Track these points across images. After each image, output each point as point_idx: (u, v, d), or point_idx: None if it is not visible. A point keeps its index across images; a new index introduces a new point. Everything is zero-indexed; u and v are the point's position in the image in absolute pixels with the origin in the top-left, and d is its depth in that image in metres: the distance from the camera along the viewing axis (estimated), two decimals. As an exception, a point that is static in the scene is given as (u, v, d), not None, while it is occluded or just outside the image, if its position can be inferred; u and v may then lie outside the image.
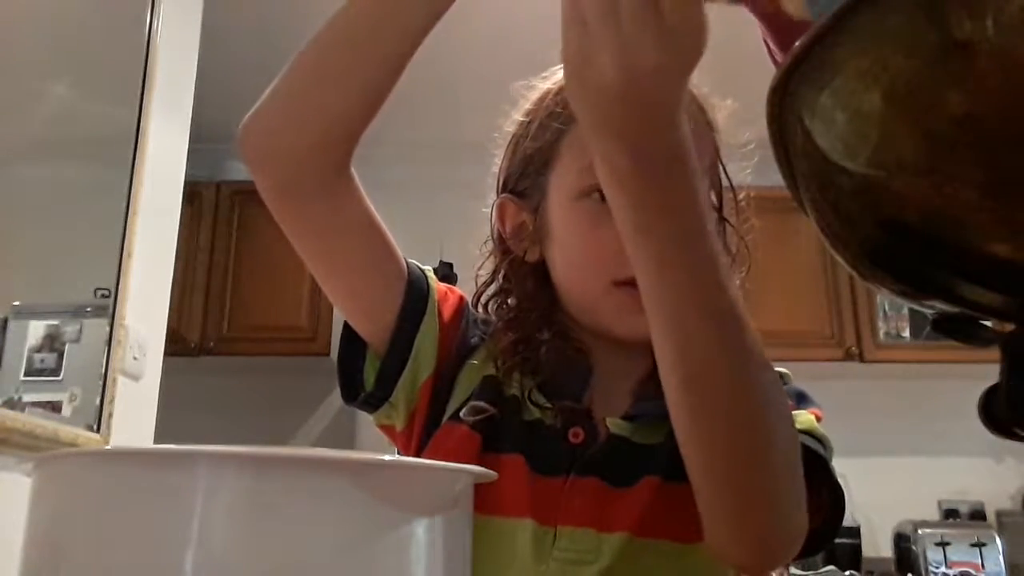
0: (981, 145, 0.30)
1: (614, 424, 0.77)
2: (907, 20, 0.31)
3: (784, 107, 0.37)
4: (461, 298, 0.85)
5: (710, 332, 0.56)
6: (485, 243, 0.86)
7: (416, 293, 0.79)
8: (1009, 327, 0.36)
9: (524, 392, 0.78)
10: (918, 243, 0.34)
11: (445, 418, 0.79)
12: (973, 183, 0.31)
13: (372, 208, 0.76)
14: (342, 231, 0.75)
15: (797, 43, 0.34)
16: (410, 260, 0.81)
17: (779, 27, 0.54)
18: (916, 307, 0.38)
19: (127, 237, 2.02)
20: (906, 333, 3.20)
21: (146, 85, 2.12)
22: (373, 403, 0.80)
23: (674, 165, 0.52)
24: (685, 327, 0.56)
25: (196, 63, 2.42)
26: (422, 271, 0.81)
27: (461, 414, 0.77)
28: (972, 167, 0.31)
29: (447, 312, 0.82)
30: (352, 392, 0.80)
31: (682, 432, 0.60)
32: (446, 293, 0.83)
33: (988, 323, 0.37)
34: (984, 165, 0.31)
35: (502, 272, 0.84)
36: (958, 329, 0.37)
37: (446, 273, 2.86)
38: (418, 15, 0.67)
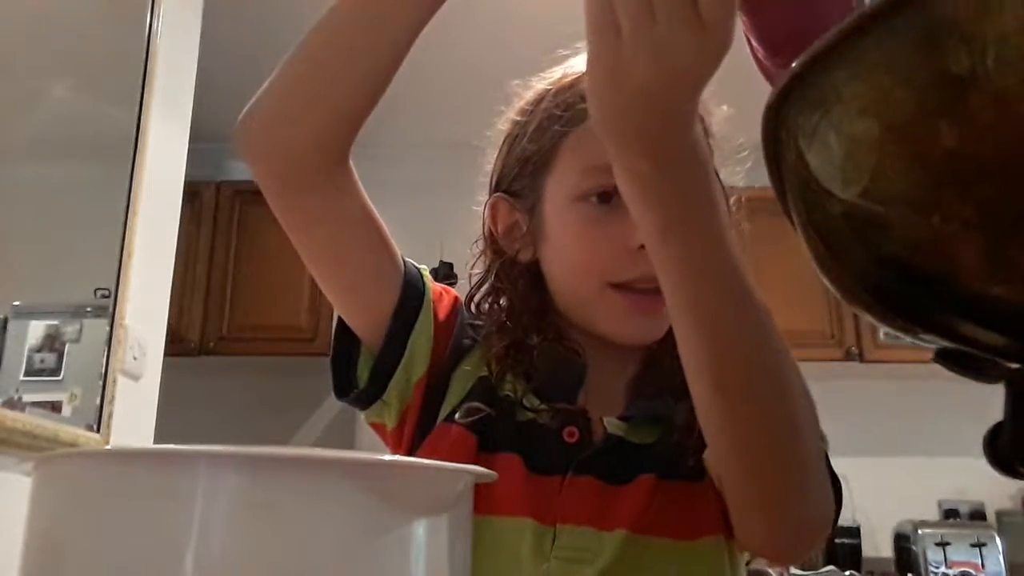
0: (973, 180, 0.30)
1: (611, 424, 0.77)
2: (905, 49, 0.30)
3: (779, 125, 0.36)
4: (456, 299, 0.85)
5: (740, 329, 0.57)
6: (476, 242, 0.87)
7: (412, 291, 0.79)
8: (1015, 364, 0.35)
9: (517, 395, 0.78)
10: (911, 278, 0.34)
11: (439, 420, 0.79)
12: (965, 219, 0.31)
13: (370, 203, 0.76)
14: (340, 224, 0.75)
15: (795, 62, 0.34)
16: (407, 258, 0.81)
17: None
18: (916, 342, 0.38)
19: (127, 237, 2.02)
20: (906, 333, 3.20)
21: (146, 85, 2.12)
22: (365, 400, 0.80)
23: (692, 166, 0.52)
24: (714, 326, 0.57)
25: (196, 63, 2.42)
26: (418, 269, 0.81)
27: (456, 416, 0.77)
28: (964, 202, 0.30)
29: (442, 312, 0.82)
30: (344, 388, 0.80)
31: (713, 429, 0.61)
32: (441, 293, 0.83)
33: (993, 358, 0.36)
34: (977, 201, 0.30)
35: (494, 272, 0.84)
36: (962, 364, 0.36)
37: (446, 273, 2.86)
38: (415, 6, 0.67)
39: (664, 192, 0.52)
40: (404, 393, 0.79)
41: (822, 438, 0.74)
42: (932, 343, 0.37)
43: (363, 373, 0.79)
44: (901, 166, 0.31)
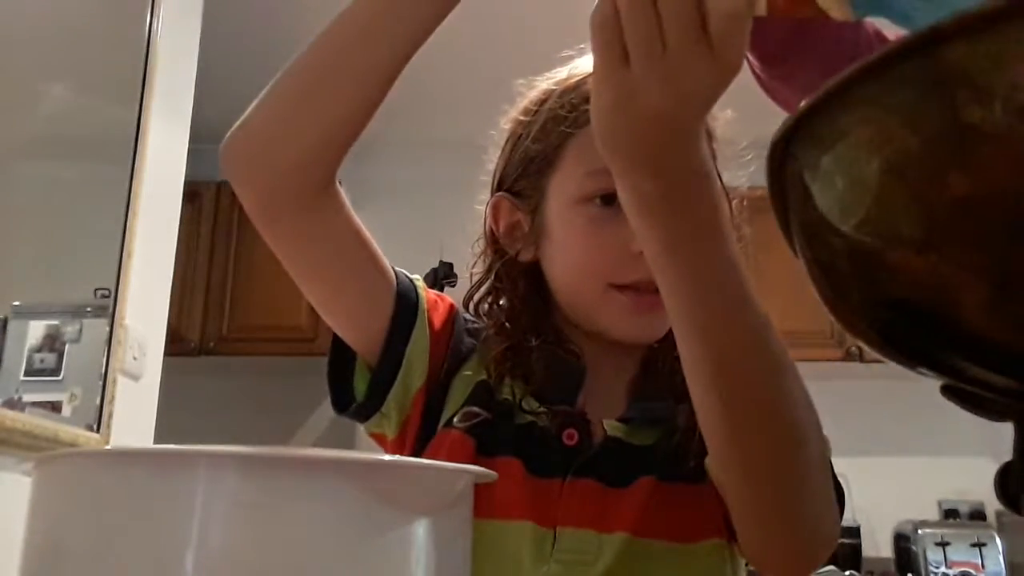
0: (980, 229, 0.30)
1: (611, 426, 0.77)
2: (915, 96, 0.30)
3: (786, 163, 0.36)
4: (451, 306, 0.84)
5: (744, 348, 0.57)
6: (477, 241, 0.86)
7: (405, 303, 0.78)
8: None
9: (516, 398, 0.78)
10: (916, 321, 0.34)
11: (439, 427, 0.78)
12: (971, 266, 0.31)
13: (358, 220, 0.75)
14: (328, 246, 0.74)
15: (804, 102, 0.33)
16: (398, 269, 0.80)
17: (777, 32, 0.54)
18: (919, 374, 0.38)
19: (127, 237, 2.02)
20: (906, 333, 3.19)
21: (146, 85, 2.12)
22: (365, 414, 0.80)
23: (698, 184, 0.52)
24: (719, 345, 0.56)
25: (196, 63, 2.42)
26: (411, 280, 0.81)
27: (454, 421, 0.77)
28: (970, 250, 0.30)
29: (437, 320, 0.81)
30: (342, 402, 0.80)
31: (716, 439, 0.61)
32: (436, 301, 0.82)
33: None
34: (983, 250, 0.30)
35: (495, 272, 0.84)
36: (969, 400, 0.36)
37: (446, 273, 2.86)
38: (408, 31, 0.67)
39: (669, 210, 0.52)
40: (403, 404, 0.79)
41: (824, 443, 0.74)
42: (937, 379, 0.37)
43: (360, 385, 0.79)
44: (908, 210, 0.31)
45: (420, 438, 0.79)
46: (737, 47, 0.46)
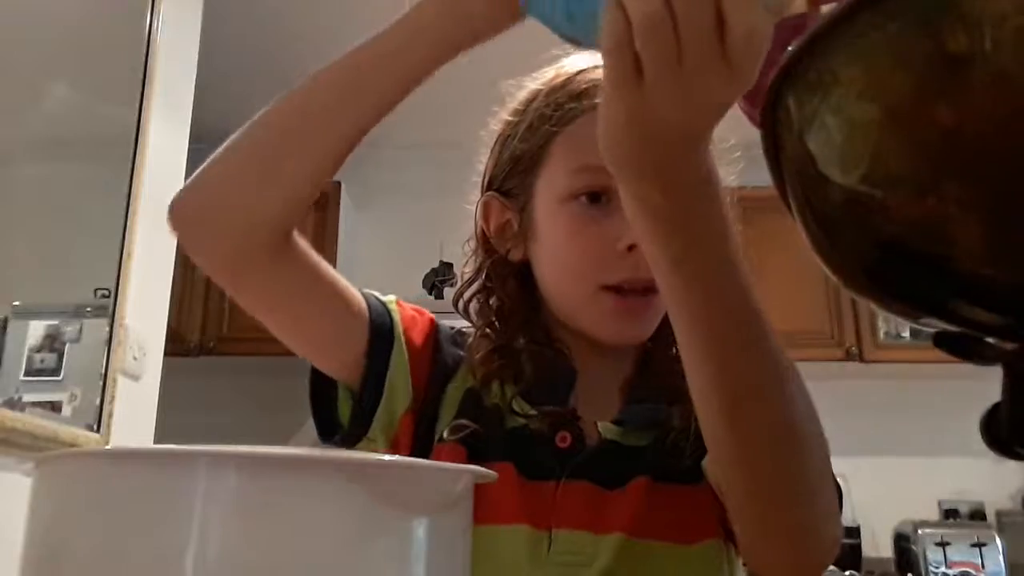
0: (972, 161, 0.30)
1: (605, 428, 0.77)
2: (902, 30, 0.30)
3: (777, 109, 0.36)
4: (431, 320, 0.84)
5: (749, 360, 0.56)
6: (468, 241, 0.86)
7: (380, 329, 0.78)
8: (1012, 345, 0.35)
9: (505, 401, 0.78)
10: (909, 261, 0.34)
11: (435, 442, 0.78)
12: (963, 200, 0.31)
13: (319, 261, 0.74)
14: (291, 294, 0.73)
15: (792, 46, 0.34)
16: (367, 292, 0.79)
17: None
18: (915, 325, 0.38)
19: (127, 237, 2.02)
20: (906, 333, 3.19)
21: (146, 85, 2.12)
22: (351, 441, 0.79)
23: (705, 191, 0.52)
24: (723, 356, 0.56)
25: (196, 63, 2.42)
26: (383, 303, 0.80)
27: (444, 434, 0.77)
28: (962, 184, 0.30)
29: (417, 337, 0.80)
30: (328, 428, 0.79)
31: (722, 453, 0.61)
32: (414, 318, 0.82)
33: (991, 340, 0.36)
34: (975, 182, 0.30)
35: (485, 271, 0.84)
36: (960, 346, 0.36)
37: (445, 274, 2.86)
38: (383, 95, 0.66)
39: (677, 219, 0.52)
40: (389, 428, 0.78)
41: (826, 448, 0.74)
42: (930, 326, 0.37)
43: (344, 409, 0.78)
44: (900, 148, 0.31)
45: (414, 455, 0.78)
46: (753, 65, 0.46)
